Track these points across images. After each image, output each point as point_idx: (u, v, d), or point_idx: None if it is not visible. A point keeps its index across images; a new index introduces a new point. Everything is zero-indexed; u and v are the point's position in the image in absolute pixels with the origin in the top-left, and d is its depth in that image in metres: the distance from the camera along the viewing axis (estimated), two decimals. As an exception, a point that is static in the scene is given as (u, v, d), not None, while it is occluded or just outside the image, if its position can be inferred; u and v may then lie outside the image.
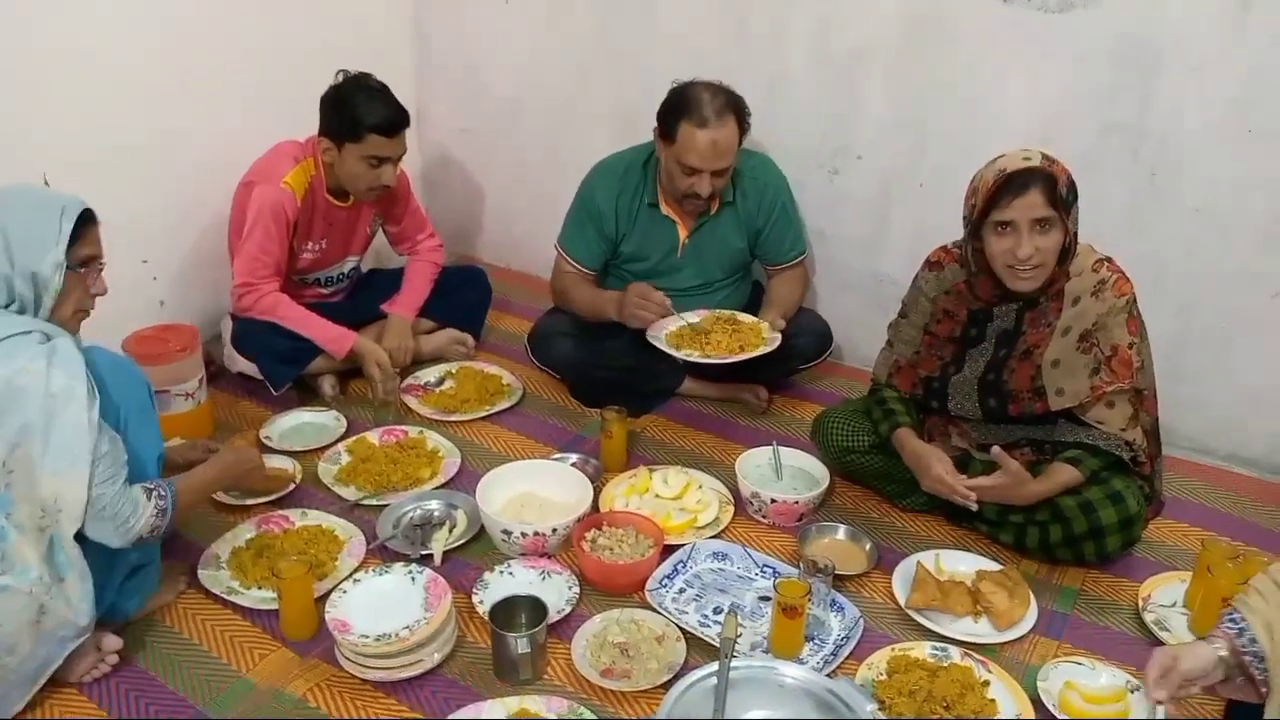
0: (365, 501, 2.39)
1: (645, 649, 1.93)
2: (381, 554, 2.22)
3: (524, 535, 2.18)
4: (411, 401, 2.83)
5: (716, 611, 2.06)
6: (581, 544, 2.16)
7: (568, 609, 2.05)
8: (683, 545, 2.22)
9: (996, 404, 2.20)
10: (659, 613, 2.03)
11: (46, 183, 2.51)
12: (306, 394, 2.87)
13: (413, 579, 2.01)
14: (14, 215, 1.74)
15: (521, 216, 3.71)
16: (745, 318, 2.68)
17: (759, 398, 2.85)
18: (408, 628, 1.86)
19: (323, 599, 1.99)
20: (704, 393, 2.89)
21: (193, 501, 2.00)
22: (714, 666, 1.67)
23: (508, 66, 3.50)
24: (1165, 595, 2.13)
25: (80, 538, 1.74)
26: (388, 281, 3.10)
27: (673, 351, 2.56)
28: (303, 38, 3.17)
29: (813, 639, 1.99)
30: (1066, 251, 2.05)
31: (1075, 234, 2.06)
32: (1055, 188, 1.98)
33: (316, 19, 3.22)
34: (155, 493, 1.83)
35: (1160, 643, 2.00)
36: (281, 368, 2.77)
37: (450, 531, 2.28)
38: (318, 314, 2.80)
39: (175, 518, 1.86)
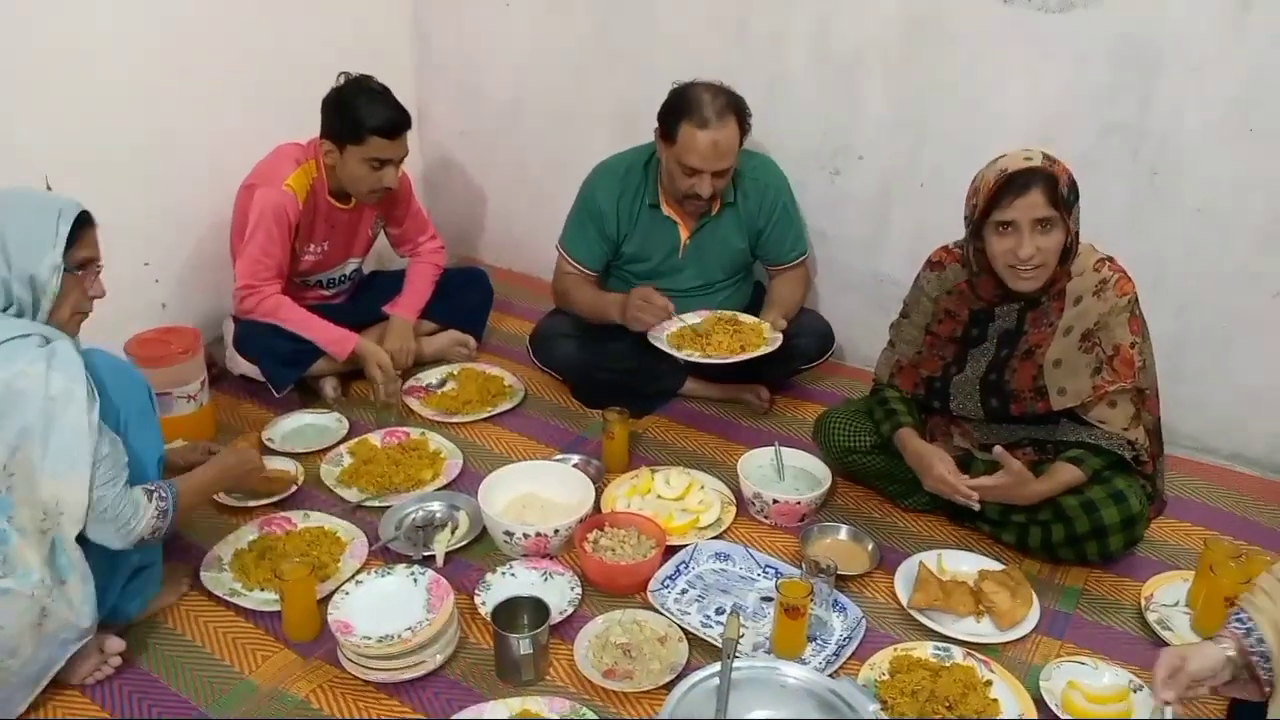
0: (367, 503, 2.39)
1: (647, 650, 1.93)
2: (384, 555, 2.22)
3: (526, 536, 2.18)
4: (413, 403, 2.83)
5: (719, 612, 2.06)
6: (583, 545, 2.16)
7: (570, 610, 2.06)
8: (685, 546, 2.22)
9: (998, 404, 2.20)
10: (661, 613, 2.03)
11: (49, 185, 2.52)
12: (308, 396, 2.87)
13: (415, 580, 2.01)
14: (11, 218, 1.74)
15: (522, 217, 3.71)
16: (746, 318, 2.68)
17: (761, 398, 2.85)
18: (410, 629, 1.86)
19: (325, 600, 1.99)
20: (706, 393, 2.89)
21: (193, 503, 2.00)
22: (716, 667, 1.67)
23: (508, 67, 3.51)
24: (1168, 595, 2.13)
25: (82, 540, 1.75)
26: (389, 283, 3.10)
27: (674, 352, 2.56)
28: (303, 39, 3.18)
29: (815, 639, 1.99)
30: (1068, 251, 2.05)
31: (1077, 234, 2.06)
32: (1056, 187, 1.98)
33: (316, 20, 3.23)
34: (156, 494, 1.83)
35: (1163, 642, 2.00)
36: (283, 370, 2.77)
37: (452, 533, 2.28)
38: (319, 316, 2.81)
39: (176, 519, 1.86)
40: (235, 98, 3.03)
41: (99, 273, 1.87)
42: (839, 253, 3.08)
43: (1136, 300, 2.11)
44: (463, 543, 2.26)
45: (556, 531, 2.19)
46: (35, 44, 2.53)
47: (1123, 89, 2.50)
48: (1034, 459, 2.21)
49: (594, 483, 2.36)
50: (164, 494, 1.84)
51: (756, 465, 2.47)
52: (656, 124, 2.64)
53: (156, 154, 2.86)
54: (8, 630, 1.68)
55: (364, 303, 3.07)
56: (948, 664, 1.91)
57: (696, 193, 2.62)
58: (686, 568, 2.18)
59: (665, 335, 2.61)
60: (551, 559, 2.21)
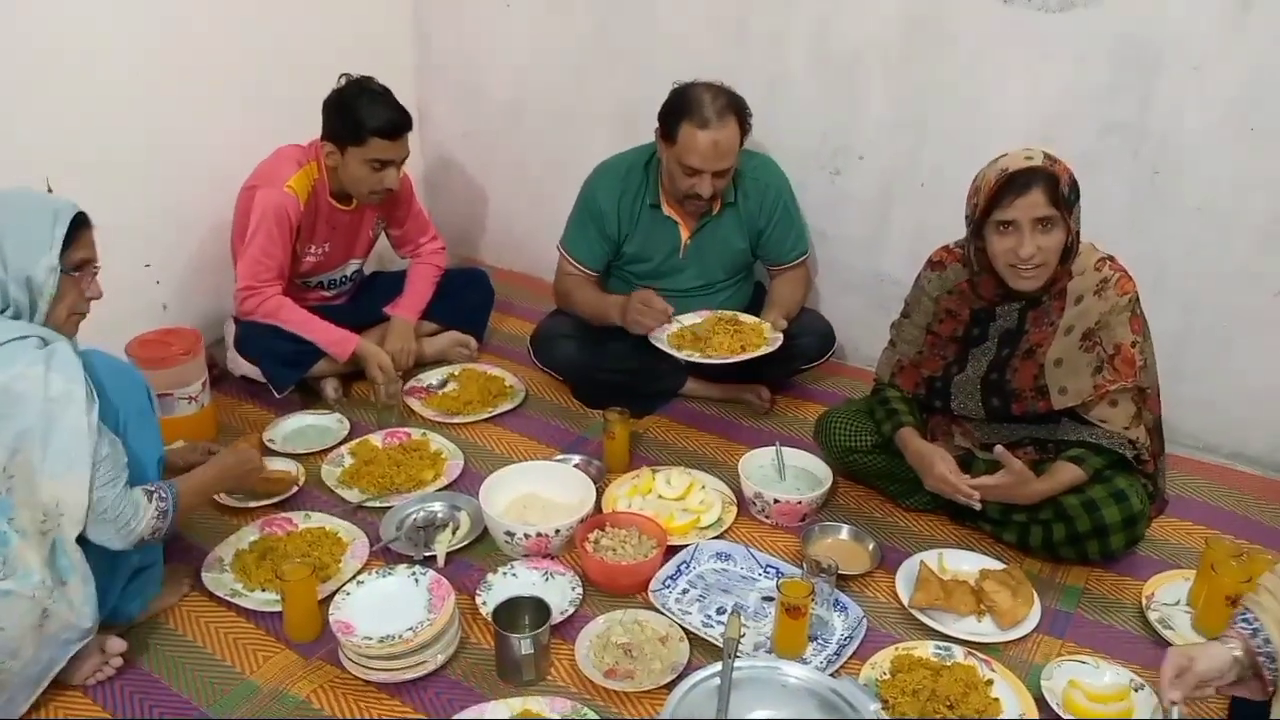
0: (368, 504, 2.39)
1: (648, 649, 1.93)
2: (385, 556, 2.22)
3: (527, 536, 2.18)
4: (414, 404, 2.83)
5: (720, 612, 2.06)
6: (584, 545, 2.16)
7: (571, 610, 2.06)
8: (686, 546, 2.22)
9: (999, 403, 2.20)
10: (662, 613, 2.03)
11: (50, 187, 2.52)
12: (309, 397, 2.87)
13: (416, 581, 2.01)
14: (7, 220, 1.74)
15: (523, 218, 3.71)
16: (747, 318, 2.68)
17: (761, 398, 2.85)
18: (411, 629, 1.86)
19: (326, 601, 1.99)
20: (706, 393, 2.89)
21: (194, 503, 2.00)
22: (717, 667, 1.67)
23: (508, 68, 3.51)
24: (1169, 593, 2.13)
25: (82, 541, 1.75)
26: (390, 284, 3.10)
27: (674, 352, 2.56)
28: (303, 39, 3.18)
29: (816, 639, 1.99)
30: (1069, 250, 2.05)
31: (1077, 233, 2.06)
32: (1057, 187, 1.98)
33: (316, 20, 3.23)
34: (156, 495, 1.83)
35: (1164, 641, 2.00)
36: (284, 371, 2.77)
37: (453, 533, 2.28)
38: (320, 317, 2.81)
39: (176, 520, 1.86)
40: (235, 98, 3.03)
41: (96, 274, 1.87)
42: (839, 253, 3.08)
43: (1137, 299, 2.11)
44: (464, 543, 2.26)
45: (557, 531, 2.19)
46: (35, 44, 2.53)
47: (1123, 89, 2.50)
48: (1035, 458, 2.21)
49: (595, 483, 2.36)
50: (164, 494, 1.84)
51: (757, 465, 2.47)
52: (657, 124, 2.64)
53: (156, 154, 2.86)
54: (9, 632, 1.68)
55: (365, 304, 3.07)
56: (949, 663, 1.91)
57: (697, 193, 2.63)
58: (687, 567, 2.18)
59: (666, 336, 2.61)
60: (553, 559, 2.21)
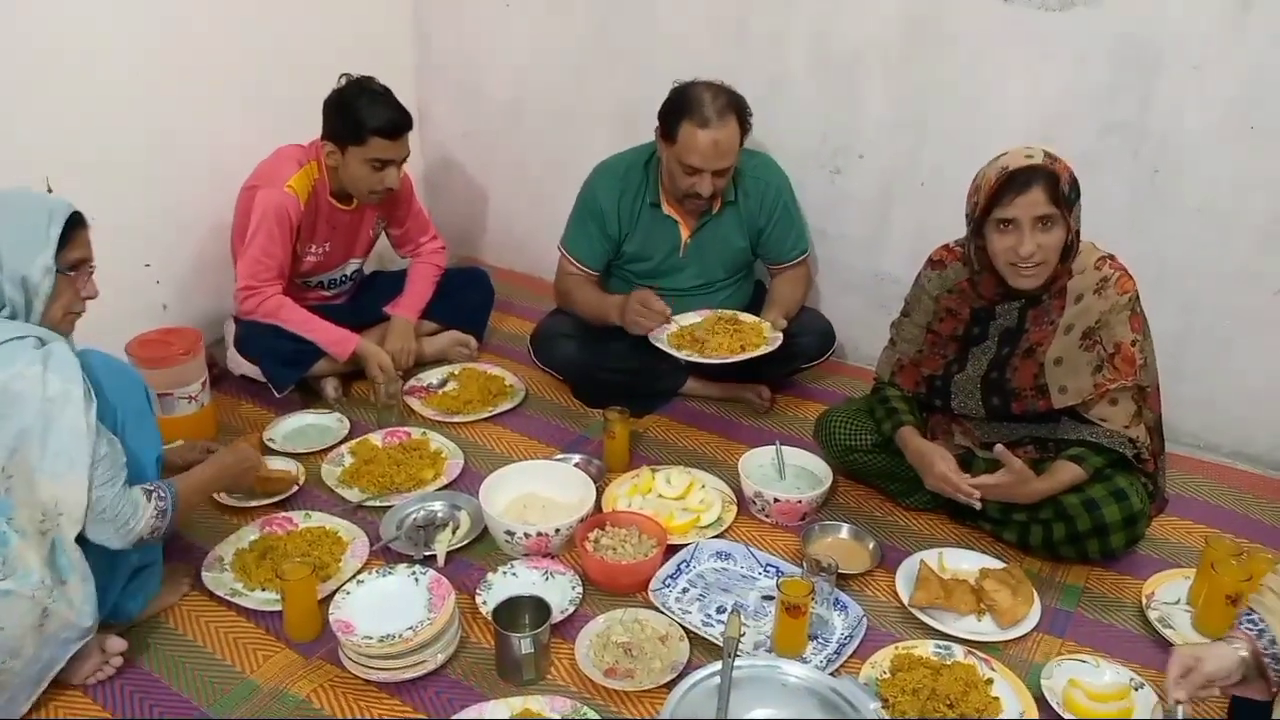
0: (368, 503, 2.39)
1: (649, 649, 1.93)
2: (385, 555, 2.22)
3: (527, 536, 2.18)
4: (414, 403, 2.84)
5: (720, 611, 2.06)
6: (584, 544, 2.16)
7: (571, 609, 2.06)
8: (686, 545, 2.22)
9: (999, 402, 2.20)
10: (662, 612, 2.03)
11: (50, 187, 2.52)
12: (309, 396, 2.87)
13: (416, 580, 2.01)
14: (2, 219, 1.74)
15: (523, 217, 3.71)
16: (746, 317, 2.68)
17: (761, 397, 2.85)
18: (411, 629, 1.86)
19: (326, 600, 1.99)
20: (706, 393, 2.89)
21: (193, 502, 2.00)
22: (717, 666, 1.67)
23: (508, 67, 3.51)
24: (1169, 592, 2.13)
25: (81, 540, 1.75)
26: (390, 284, 3.11)
27: (674, 352, 2.56)
28: (303, 39, 3.18)
29: (816, 638, 1.99)
30: (1069, 249, 2.05)
31: (1078, 232, 2.06)
32: (1057, 185, 1.98)
33: (316, 20, 3.23)
34: (155, 494, 1.83)
35: (1164, 640, 2.00)
36: (284, 370, 2.77)
37: (453, 532, 2.28)
38: (320, 317, 2.81)
39: (175, 518, 1.87)
40: (235, 98, 3.03)
41: (92, 273, 1.86)
42: (840, 252, 3.08)
43: (1137, 298, 2.11)
44: (464, 542, 2.26)
45: (558, 531, 2.19)
46: (35, 44, 2.53)
47: (1123, 88, 2.50)
48: (1035, 457, 2.21)
49: (595, 482, 2.36)
50: (163, 493, 1.84)
51: (757, 464, 2.47)
52: (657, 123, 2.64)
53: (156, 154, 2.86)
54: (9, 631, 1.68)
55: (365, 303, 3.07)
56: (949, 662, 1.91)
57: (697, 192, 2.63)
58: (687, 567, 2.18)
59: (665, 335, 2.61)
60: (553, 558, 2.21)
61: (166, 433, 2.12)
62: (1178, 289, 2.58)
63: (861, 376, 2.97)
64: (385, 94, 2.69)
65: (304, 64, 3.00)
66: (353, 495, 2.42)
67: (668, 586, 2.12)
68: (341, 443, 2.63)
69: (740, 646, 1.80)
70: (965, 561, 2.19)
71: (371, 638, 1.84)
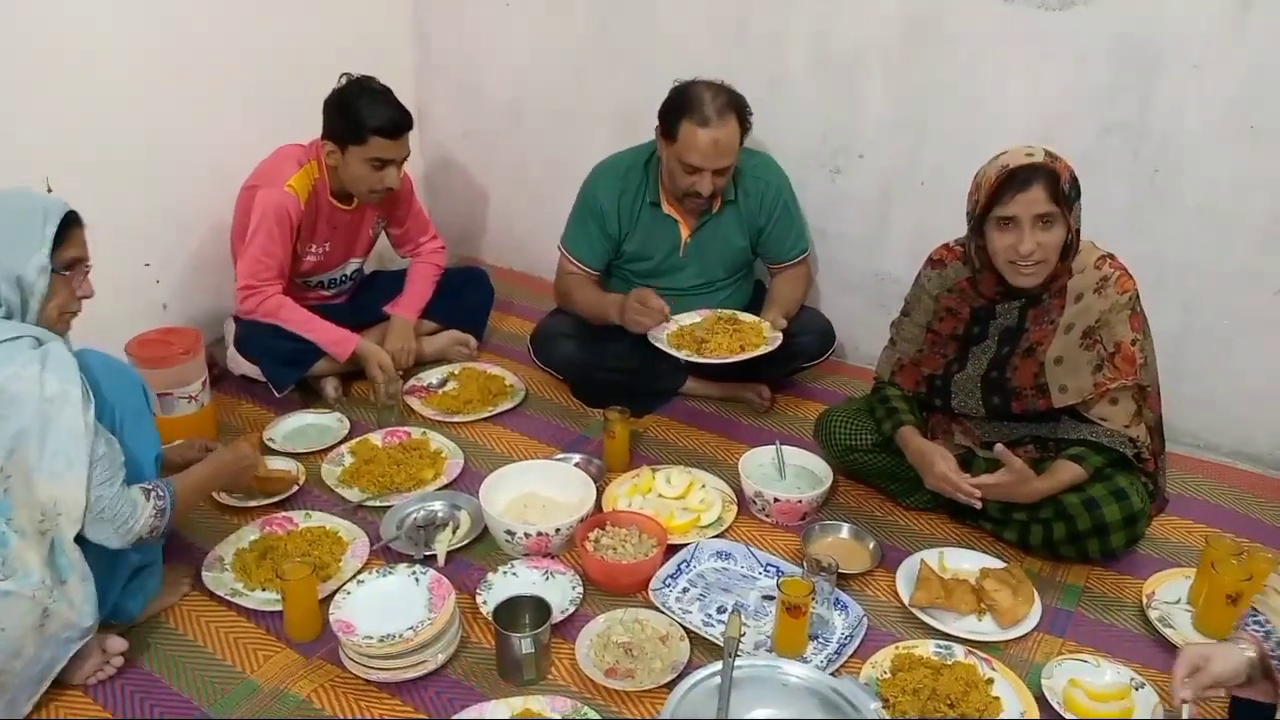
0: (369, 503, 2.39)
1: (649, 648, 1.93)
2: (385, 555, 2.22)
3: (527, 536, 2.18)
4: (414, 403, 2.83)
5: (720, 611, 2.06)
6: (585, 544, 2.16)
7: (571, 609, 2.05)
8: (686, 545, 2.22)
9: (1000, 401, 2.20)
10: (663, 612, 2.03)
11: (49, 187, 2.52)
12: (309, 396, 2.87)
13: (416, 580, 2.01)
14: None
15: (523, 217, 3.71)
16: (746, 317, 2.68)
17: (762, 397, 2.85)
18: (412, 629, 1.86)
19: (327, 600, 1.99)
20: (706, 392, 2.89)
21: (191, 501, 2.01)
22: (718, 666, 1.67)
23: (508, 67, 3.51)
24: (1169, 592, 2.13)
25: (80, 540, 1.75)
26: (390, 283, 3.10)
27: (674, 352, 2.56)
28: (303, 39, 3.18)
29: (816, 638, 1.99)
30: (1069, 248, 2.05)
31: (1078, 231, 2.06)
32: (1058, 184, 1.98)
33: (316, 20, 3.23)
34: (154, 493, 1.83)
35: (1165, 640, 2.00)
36: (284, 370, 2.77)
37: (454, 532, 2.28)
38: (320, 316, 2.81)
39: (174, 517, 1.87)
40: (235, 98, 3.03)
41: (88, 273, 1.86)
42: (840, 252, 3.08)
43: (1137, 297, 2.11)
44: (464, 542, 2.26)
45: (558, 531, 2.19)
46: (35, 44, 2.53)
47: (1123, 88, 2.50)
48: (1035, 456, 2.21)
49: (595, 482, 2.36)
50: (161, 492, 1.84)
51: (758, 464, 2.47)
52: (657, 122, 2.64)
53: (156, 154, 2.86)
54: (10, 632, 1.68)
55: (365, 303, 3.07)
56: (949, 662, 1.91)
57: (697, 191, 2.63)
58: (688, 566, 2.18)
59: (665, 335, 2.61)
60: (553, 558, 2.21)
61: (167, 433, 2.12)
62: (1178, 289, 2.58)
63: (861, 376, 2.97)
64: (385, 93, 2.69)
65: (304, 64, 3.00)
66: (353, 495, 2.42)
67: (668, 586, 2.12)
68: (341, 442, 2.63)
69: (741, 646, 1.80)
70: (966, 561, 2.19)
71: (372, 638, 1.84)
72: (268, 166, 2.76)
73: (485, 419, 2.79)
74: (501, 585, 2.10)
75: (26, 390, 1.66)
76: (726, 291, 2.88)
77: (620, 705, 1.85)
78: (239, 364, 2.84)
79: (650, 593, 2.08)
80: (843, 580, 2.12)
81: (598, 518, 2.26)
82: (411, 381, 2.92)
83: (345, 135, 2.65)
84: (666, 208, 2.78)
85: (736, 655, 1.71)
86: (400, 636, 1.84)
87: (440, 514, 2.35)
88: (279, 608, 2.02)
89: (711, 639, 1.96)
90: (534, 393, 2.93)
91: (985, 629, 2.03)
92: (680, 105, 2.57)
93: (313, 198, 2.75)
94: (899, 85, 2.80)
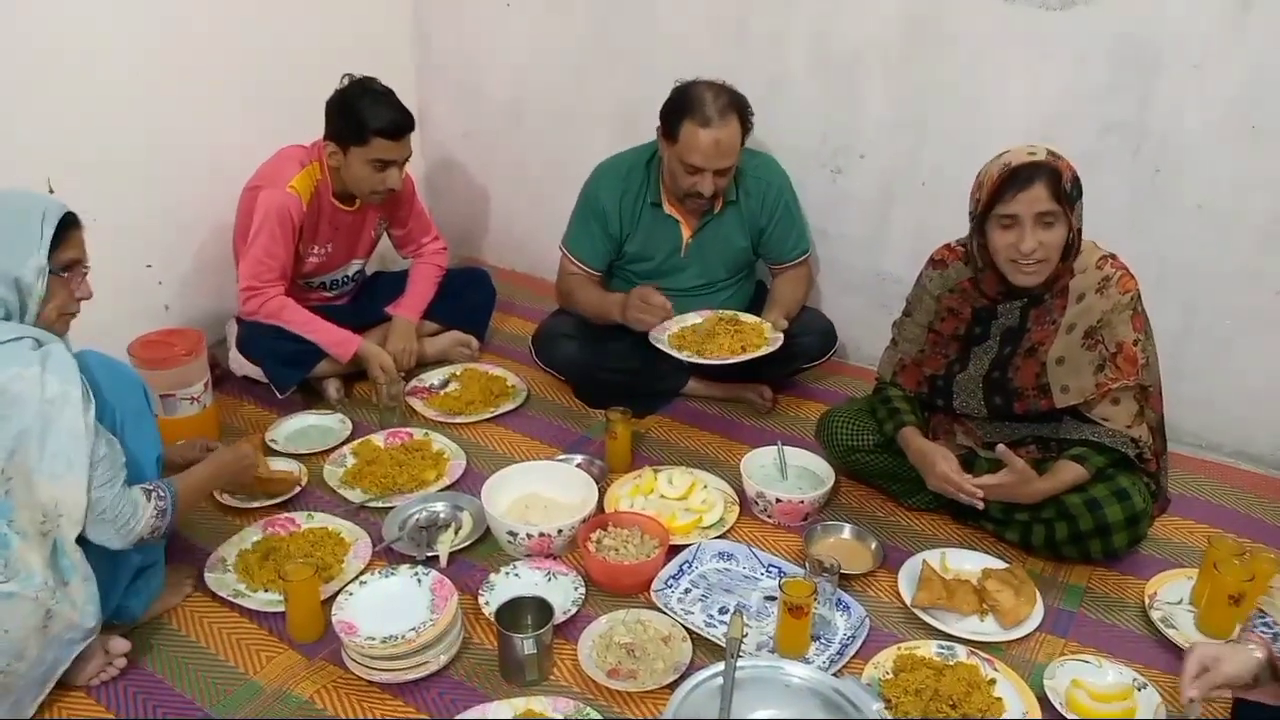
0: (371, 504, 2.39)
1: (651, 649, 1.93)
2: (387, 556, 2.22)
3: (529, 536, 2.18)
4: (416, 404, 2.84)
5: (722, 611, 2.06)
6: (587, 545, 2.16)
7: (573, 610, 2.06)
8: (688, 545, 2.22)
9: (1001, 402, 2.20)
10: (665, 613, 2.03)
11: (51, 188, 2.52)
12: (311, 397, 2.87)
13: (419, 581, 2.01)
14: None
15: (524, 218, 3.71)
16: (747, 318, 2.68)
17: (763, 397, 2.85)
18: (414, 629, 1.86)
19: (329, 601, 1.99)
20: (708, 393, 2.89)
21: (192, 501, 2.00)
22: (720, 666, 1.67)
23: (508, 67, 3.51)
24: (1172, 592, 2.13)
25: (82, 541, 1.75)
26: (392, 284, 3.11)
27: (675, 352, 2.56)
28: (303, 39, 3.18)
29: (819, 638, 1.99)
30: (1070, 247, 2.05)
31: (1079, 230, 2.06)
32: (1059, 183, 1.98)
33: (316, 20, 3.23)
34: (155, 493, 1.83)
35: (1167, 640, 2.00)
36: (286, 371, 2.77)
37: (456, 533, 2.28)
38: (322, 317, 2.81)
39: (175, 518, 1.87)
40: (235, 98, 3.03)
41: (86, 274, 1.86)
42: (840, 252, 3.08)
43: (1139, 297, 2.11)
44: (466, 543, 2.26)
45: (560, 531, 2.19)
46: (35, 44, 2.53)
47: (1123, 88, 2.50)
48: (1037, 457, 2.21)
49: (597, 483, 2.36)
50: (162, 493, 1.84)
51: (759, 464, 2.47)
52: (658, 122, 2.64)
53: (157, 154, 2.86)
54: (13, 634, 1.68)
55: (366, 304, 3.07)
56: (951, 663, 1.91)
57: (698, 191, 2.63)
58: (690, 567, 2.18)
59: (666, 336, 2.61)
60: (555, 559, 2.21)
61: (169, 434, 2.11)
62: (1178, 288, 2.58)
63: (863, 376, 2.97)
64: (387, 94, 2.69)
65: (304, 64, 3.00)
66: (355, 496, 2.42)
67: (670, 587, 2.12)
68: (344, 444, 2.63)
69: (743, 647, 1.80)
70: (968, 562, 2.19)
71: (374, 639, 1.85)
72: (270, 167, 2.75)
73: (487, 420, 2.79)
74: (504, 586, 2.10)
75: (27, 391, 1.66)
76: (728, 292, 2.88)
77: (622, 706, 1.85)
78: (241, 365, 2.84)
79: (652, 593, 2.08)
80: (845, 581, 2.12)
81: (600, 518, 2.26)
82: (413, 382, 2.92)
83: (347, 136, 2.65)
84: (668, 208, 2.78)
85: (739, 656, 1.71)
86: (402, 637, 1.84)
87: (442, 515, 2.35)
88: (281, 609, 2.02)
89: (714, 640, 1.96)
90: (536, 393, 2.93)
91: (987, 630, 2.03)
92: (682, 105, 2.57)
93: (315, 199, 2.75)
94: (899, 85, 2.80)
